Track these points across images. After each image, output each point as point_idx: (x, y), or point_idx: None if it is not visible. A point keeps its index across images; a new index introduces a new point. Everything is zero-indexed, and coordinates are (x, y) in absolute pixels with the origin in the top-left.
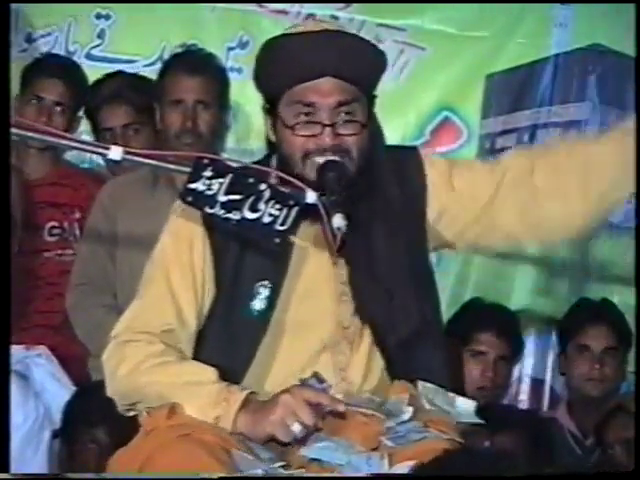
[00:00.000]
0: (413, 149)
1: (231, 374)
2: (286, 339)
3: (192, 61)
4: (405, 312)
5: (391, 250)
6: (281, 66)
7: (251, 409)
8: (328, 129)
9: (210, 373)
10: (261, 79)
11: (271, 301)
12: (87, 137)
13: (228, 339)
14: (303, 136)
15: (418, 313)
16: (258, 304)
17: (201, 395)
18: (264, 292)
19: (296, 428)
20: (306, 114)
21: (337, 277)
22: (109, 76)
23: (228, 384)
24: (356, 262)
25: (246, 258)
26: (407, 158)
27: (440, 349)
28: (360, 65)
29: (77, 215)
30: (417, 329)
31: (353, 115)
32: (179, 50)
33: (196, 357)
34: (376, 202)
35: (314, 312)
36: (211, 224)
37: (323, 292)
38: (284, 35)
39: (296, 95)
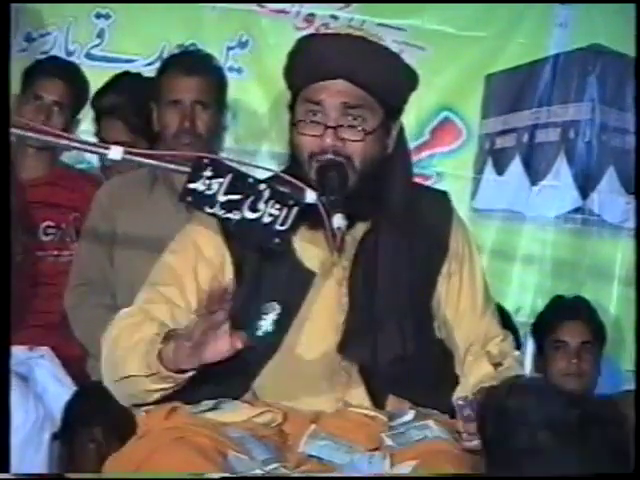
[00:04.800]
0: (444, 194)
1: (234, 388)
2: (288, 362)
3: (190, 61)
4: (382, 351)
5: (392, 286)
6: (301, 64)
7: (180, 338)
8: (330, 130)
9: (155, 327)
10: (286, 76)
11: (279, 323)
12: (87, 137)
13: (234, 355)
14: (306, 135)
15: (396, 351)
16: (265, 325)
17: (138, 350)
18: (272, 313)
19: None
20: (313, 113)
21: (340, 307)
22: (117, 79)
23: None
24: (355, 293)
25: (261, 278)
26: (436, 203)
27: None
28: (378, 74)
29: (73, 216)
30: (400, 365)
31: (360, 121)
32: (176, 51)
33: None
34: (389, 232)
35: (315, 339)
36: (233, 239)
37: (325, 320)
38: (311, 35)
39: (308, 93)
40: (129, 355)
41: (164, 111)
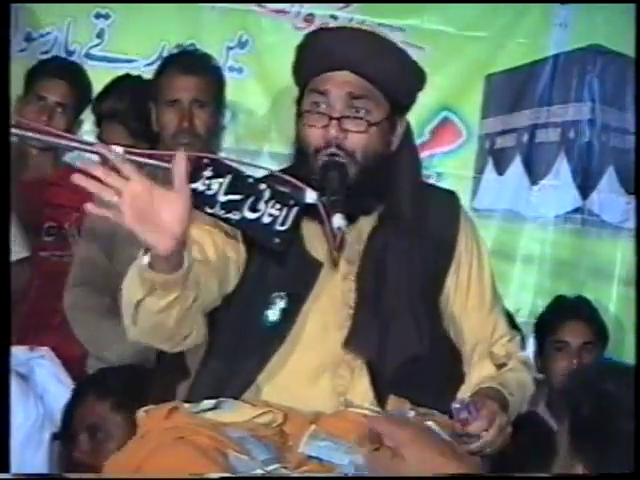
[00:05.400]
0: (451, 193)
1: (238, 381)
2: (292, 354)
3: (188, 61)
4: (397, 348)
5: (403, 283)
6: (309, 56)
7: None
8: (334, 122)
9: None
10: (294, 71)
11: (286, 313)
12: (89, 138)
13: (239, 346)
14: (311, 126)
15: (414, 349)
16: (273, 315)
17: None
18: (279, 304)
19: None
20: (318, 105)
21: (345, 300)
22: (118, 82)
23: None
24: (364, 289)
25: (269, 267)
26: (444, 202)
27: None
28: (385, 68)
29: (75, 216)
30: (409, 363)
31: (364, 113)
32: (175, 50)
33: (206, 358)
34: (397, 230)
35: (319, 332)
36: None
37: (329, 314)
38: (320, 29)
39: (314, 84)
40: (129, 285)
41: (162, 111)
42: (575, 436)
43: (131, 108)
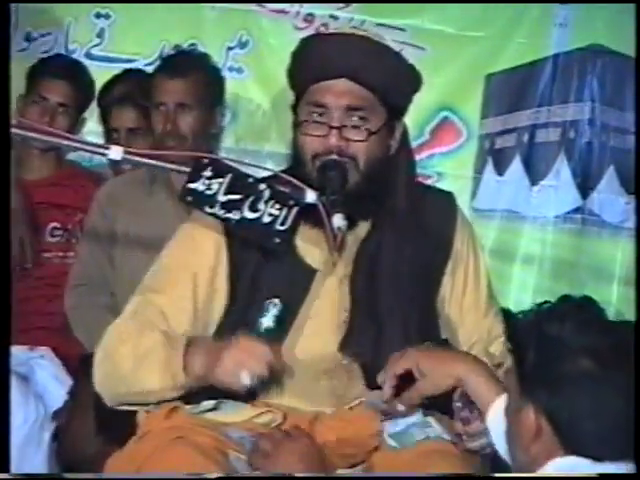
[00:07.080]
0: (448, 194)
1: None
2: (289, 360)
3: (177, 63)
4: (388, 350)
5: (397, 285)
6: (305, 64)
7: (200, 351)
8: (334, 131)
9: (158, 335)
10: (289, 76)
11: (280, 320)
12: (89, 138)
13: None
14: (310, 135)
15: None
16: (267, 321)
17: (153, 361)
18: (274, 310)
19: (245, 378)
20: (317, 114)
21: (341, 304)
22: (125, 73)
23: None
24: (358, 291)
25: (262, 274)
26: (441, 203)
27: None
28: (381, 73)
29: (79, 217)
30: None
31: (363, 121)
32: (172, 52)
33: None
34: (393, 231)
35: (316, 337)
36: (233, 236)
37: (326, 318)
38: (315, 35)
39: (311, 95)
40: (144, 368)
41: (153, 113)
42: (522, 378)
43: (140, 91)
